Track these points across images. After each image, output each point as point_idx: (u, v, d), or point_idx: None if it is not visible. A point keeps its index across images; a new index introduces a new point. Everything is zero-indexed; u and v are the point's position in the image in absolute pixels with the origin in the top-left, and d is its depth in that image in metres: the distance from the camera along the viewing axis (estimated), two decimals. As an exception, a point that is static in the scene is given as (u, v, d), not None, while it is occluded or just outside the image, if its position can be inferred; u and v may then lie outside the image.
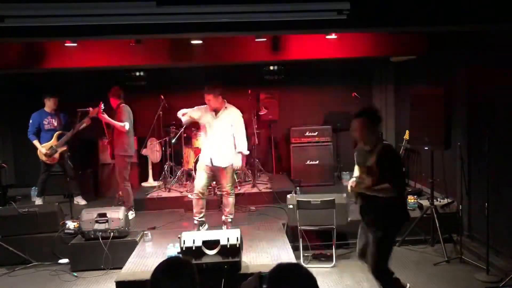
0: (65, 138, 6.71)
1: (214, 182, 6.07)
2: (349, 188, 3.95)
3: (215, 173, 5.45)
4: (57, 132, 6.77)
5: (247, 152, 5.57)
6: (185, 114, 5.40)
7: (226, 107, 5.38)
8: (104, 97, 6.53)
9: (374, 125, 3.82)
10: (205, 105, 5.41)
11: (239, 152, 5.42)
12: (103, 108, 6.14)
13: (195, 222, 5.48)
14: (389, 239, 3.83)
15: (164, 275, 2.02)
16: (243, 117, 5.53)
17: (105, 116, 6.15)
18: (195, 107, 5.48)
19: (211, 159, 5.34)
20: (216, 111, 5.35)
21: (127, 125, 6.15)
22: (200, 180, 5.41)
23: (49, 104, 6.82)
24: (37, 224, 5.50)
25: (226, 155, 5.35)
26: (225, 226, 5.49)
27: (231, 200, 5.51)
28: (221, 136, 5.34)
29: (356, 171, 4.04)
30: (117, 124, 6.14)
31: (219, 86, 5.30)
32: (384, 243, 3.76)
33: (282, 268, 1.96)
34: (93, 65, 5.92)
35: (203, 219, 5.49)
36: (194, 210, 5.48)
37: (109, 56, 5.83)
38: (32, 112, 6.82)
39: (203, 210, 5.48)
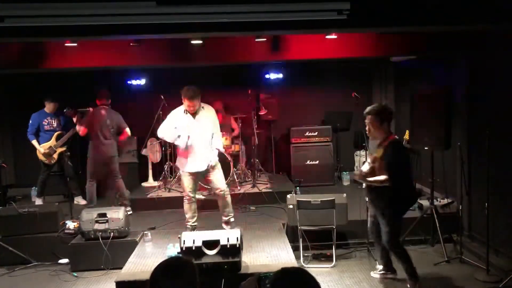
0: (64, 139, 6.75)
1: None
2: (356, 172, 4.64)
3: (203, 175, 5.36)
4: (56, 133, 6.80)
5: (223, 150, 5.51)
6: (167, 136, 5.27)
7: (203, 107, 5.28)
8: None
9: (381, 122, 4.23)
10: (177, 110, 5.27)
11: (216, 149, 5.38)
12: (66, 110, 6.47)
13: (188, 226, 5.38)
14: (394, 219, 4.22)
15: (163, 275, 2.02)
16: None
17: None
18: (170, 118, 5.27)
19: (198, 165, 5.21)
20: (193, 113, 5.20)
21: (76, 128, 6.42)
22: (189, 185, 5.30)
23: (49, 107, 6.89)
24: (37, 224, 5.50)
25: (210, 155, 5.27)
26: (229, 226, 5.46)
27: (228, 199, 5.41)
28: (203, 137, 5.20)
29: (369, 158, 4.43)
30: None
31: (198, 89, 5.18)
32: (392, 222, 4.20)
33: (285, 273, 1.92)
34: (93, 65, 5.91)
35: (196, 223, 5.42)
36: (187, 216, 5.39)
37: (109, 56, 5.83)
38: (32, 112, 6.85)
39: (196, 215, 5.42)
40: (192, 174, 5.27)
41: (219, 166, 5.40)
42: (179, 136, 5.17)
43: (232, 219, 5.50)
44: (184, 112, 5.22)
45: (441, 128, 5.26)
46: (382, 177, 4.07)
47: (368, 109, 4.34)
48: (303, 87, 8.41)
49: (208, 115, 5.32)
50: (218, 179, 5.34)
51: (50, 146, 6.72)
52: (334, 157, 8.05)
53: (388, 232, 4.22)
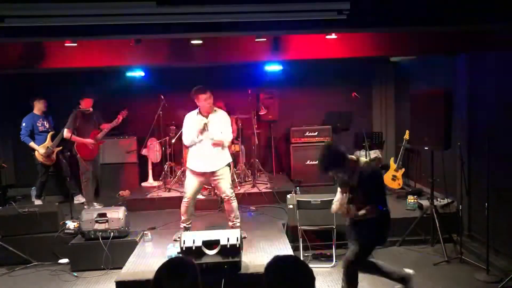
0: (58, 138, 6.77)
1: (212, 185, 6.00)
2: (334, 210, 4.11)
3: (209, 179, 5.33)
4: (50, 133, 6.82)
5: (227, 144, 5.34)
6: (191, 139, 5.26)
7: (215, 110, 5.28)
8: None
9: (335, 165, 3.85)
10: (191, 113, 5.29)
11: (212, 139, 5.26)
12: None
13: (181, 226, 5.36)
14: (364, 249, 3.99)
15: (168, 275, 2.03)
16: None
17: None
18: (186, 121, 5.28)
19: (206, 166, 5.19)
20: (206, 114, 5.21)
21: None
22: (192, 186, 5.25)
23: (39, 106, 6.91)
24: (37, 224, 5.50)
25: (220, 157, 5.23)
26: None
27: (234, 204, 5.31)
28: (212, 139, 5.18)
29: (338, 194, 4.09)
30: None
31: (201, 88, 5.17)
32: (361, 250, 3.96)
33: (278, 260, 2.04)
34: (93, 65, 5.91)
35: (190, 225, 5.39)
36: (183, 217, 5.33)
37: (109, 56, 5.82)
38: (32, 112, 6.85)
39: (191, 217, 5.41)
40: (197, 174, 5.25)
41: (226, 171, 5.30)
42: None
43: (238, 224, 5.37)
44: (197, 113, 5.24)
45: (441, 128, 5.26)
46: (368, 208, 3.78)
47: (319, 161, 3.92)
48: (303, 87, 8.40)
49: (221, 117, 5.27)
50: (223, 185, 5.24)
51: (48, 147, 6.72)
52: (334, 157, 8.02)
53: (354, 254, 4.02)
